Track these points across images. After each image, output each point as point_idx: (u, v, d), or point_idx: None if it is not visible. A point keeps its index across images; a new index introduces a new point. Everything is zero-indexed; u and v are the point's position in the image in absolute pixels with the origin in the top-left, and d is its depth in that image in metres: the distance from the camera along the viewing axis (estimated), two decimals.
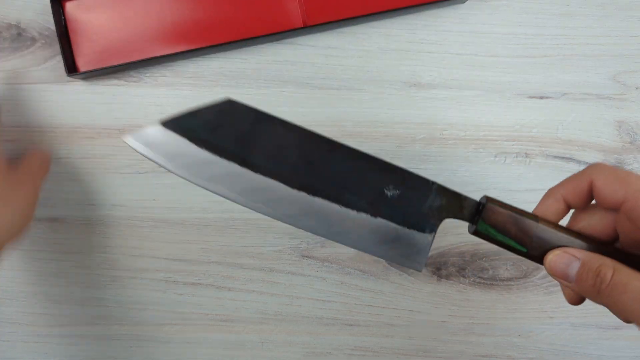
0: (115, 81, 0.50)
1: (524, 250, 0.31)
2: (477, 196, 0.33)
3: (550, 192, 0.33)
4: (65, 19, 0.48)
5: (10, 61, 0.49)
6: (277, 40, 0.50)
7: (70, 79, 0.49)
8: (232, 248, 0.51)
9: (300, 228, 0.31)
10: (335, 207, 0.31)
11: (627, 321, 0.28)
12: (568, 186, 0.32)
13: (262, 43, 0.50)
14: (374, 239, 0.31)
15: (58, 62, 0.49)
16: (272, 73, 0.51)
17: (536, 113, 0.52)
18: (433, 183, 0.32)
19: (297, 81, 0.51)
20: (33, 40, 0.49)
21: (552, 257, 0.30)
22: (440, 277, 0.53)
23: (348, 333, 0.53)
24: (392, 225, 0.31)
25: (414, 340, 0.53)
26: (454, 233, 0.52)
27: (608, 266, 0.28)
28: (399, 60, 0.51)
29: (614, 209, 0.31)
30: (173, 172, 0.31)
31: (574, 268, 0.29)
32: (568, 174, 0.34)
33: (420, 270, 0.31)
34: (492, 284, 0.53)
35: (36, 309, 0.52)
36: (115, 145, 0.50)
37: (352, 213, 0.31)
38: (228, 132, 0.31)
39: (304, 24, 0.50)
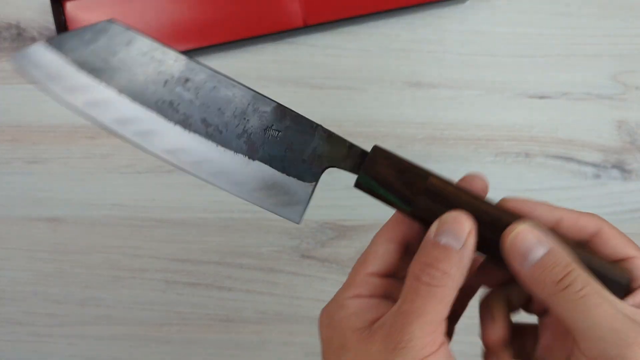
0: None
1: (407, 209, 0.27)
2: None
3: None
4: (65, 19, 0.48)
5: (11, 61, 0.49)
6: (277, 40, 0.50)
7: None
8: (232, 248, 0.51)
9: (172, 164, 0.29)
10: (211, 145, 0.29)
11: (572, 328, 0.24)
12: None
13: (262, 43, 0.50)
14: (250, 184, 0.29)
15: None
16: (272, 73, 0.51)
17: (536, 113, 0.52)
18: (317, 126, 0.29)
19: (297, 81, 0.51)
20: (33, 40, 0.49)
21: (521, 228, 0.26)
22: None
23: None
24: (270, 170, 0.29)
25: None
26: None
27: (579, 274, 0.25)
28: (399, 60, 0.51)
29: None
30: (53, 97, 0.29)
31: (538, 252, 0.25)
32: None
33: (297, 222, 0.29)
34: None
35: (36, 309, 0.52)
36: (115, 145, 0.50)
37: (229, 153, 0.29)
38: (111, 56, 0.29)
39: (304, 24, 0.50)
